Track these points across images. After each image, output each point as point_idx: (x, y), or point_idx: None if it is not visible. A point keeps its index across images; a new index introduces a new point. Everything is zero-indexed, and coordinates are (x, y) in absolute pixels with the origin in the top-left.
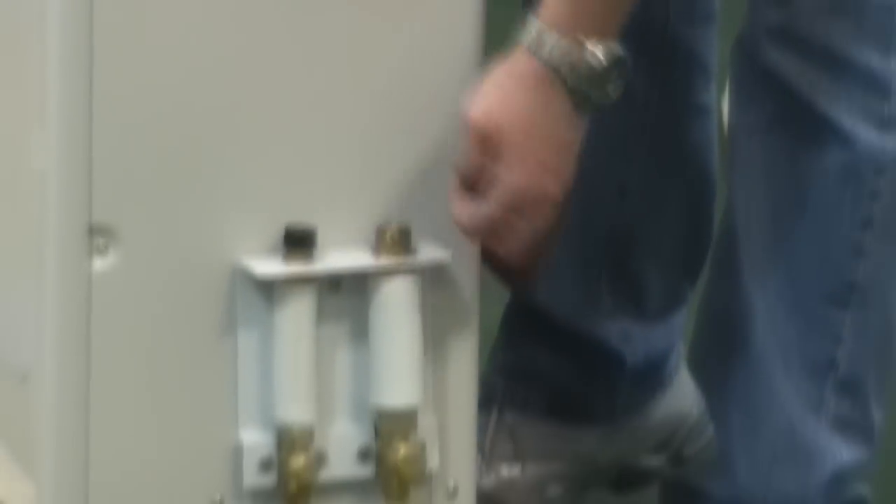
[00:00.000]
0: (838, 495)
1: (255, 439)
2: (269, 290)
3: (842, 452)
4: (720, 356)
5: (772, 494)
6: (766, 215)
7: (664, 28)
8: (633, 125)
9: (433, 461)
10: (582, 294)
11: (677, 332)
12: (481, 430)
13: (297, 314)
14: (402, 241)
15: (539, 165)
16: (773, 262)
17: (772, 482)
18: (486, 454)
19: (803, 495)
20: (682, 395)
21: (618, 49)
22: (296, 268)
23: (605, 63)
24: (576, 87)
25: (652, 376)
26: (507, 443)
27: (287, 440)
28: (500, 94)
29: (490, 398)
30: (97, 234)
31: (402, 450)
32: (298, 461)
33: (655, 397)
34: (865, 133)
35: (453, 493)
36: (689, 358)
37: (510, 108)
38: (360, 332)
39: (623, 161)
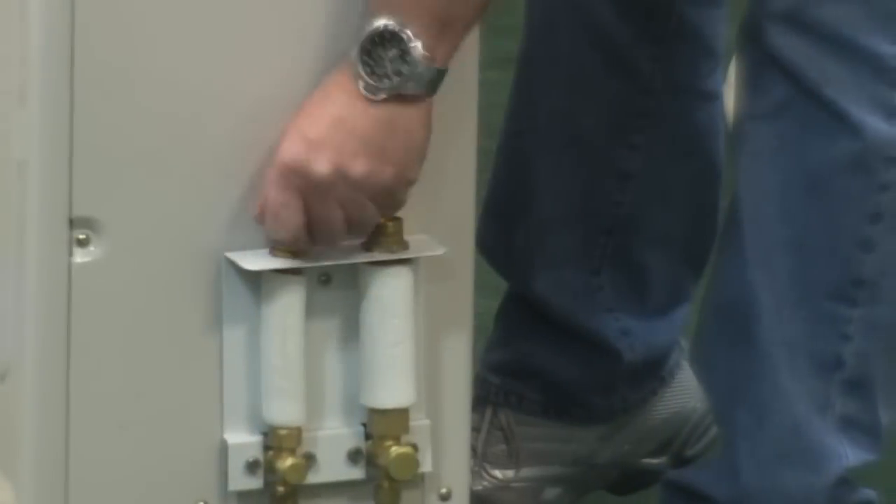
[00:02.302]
0: (844, 498)
1: (241, 440)
2: (257, 283)
3: (848, 454)
4: (725, 351)
5: (776, 496)
6: (774, 206)
7: (670, 8)
8: (636, 109)
9: (426, 464)
10: (581, 285)
11: (678, 328)
12: (473, 430)
13: (285, 309)
14: (394, 233)
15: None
16: (780, 255)
17: (776, 483)
18: (479, 455)
19: (808, 497)
20: (684, 393)
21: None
22: (284, 261)
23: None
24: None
25: (651, 373)
26: (501, 443)
27: (274, 441)
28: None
29: (483, 397)
30: (78, 227)
31: (393, 452)
32: (286, 463)
33: (655, 395)
34: (875, 123)
35: (446, 497)
36: (693, 352)
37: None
38: (351, 328)
39: (625, 147)
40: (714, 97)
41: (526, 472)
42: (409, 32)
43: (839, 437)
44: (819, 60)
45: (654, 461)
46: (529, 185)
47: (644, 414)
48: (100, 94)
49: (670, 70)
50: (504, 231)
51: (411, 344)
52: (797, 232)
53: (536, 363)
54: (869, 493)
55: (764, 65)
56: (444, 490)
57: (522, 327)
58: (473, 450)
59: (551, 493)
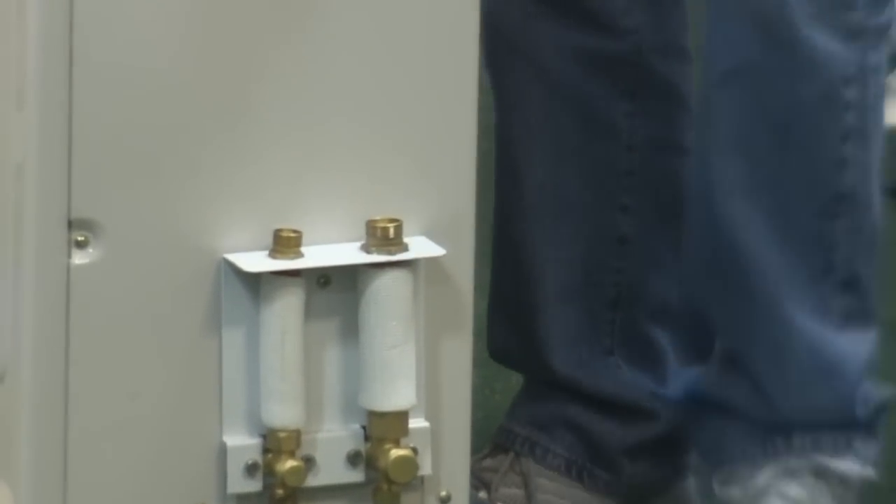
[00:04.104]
0: (869, 397)
1: (240, 442)
2: (256, 285)
3: (859, 348)
4: (725, 303)
5: (812, 413)
6: (743, 156)
7: (638, 61)
8: (621, 169)
9: (425, 467)
10: (601, 365)
11: (677, 417)
12: (492, 470)
13: (284, 311)
14: (393, 235)
15: None
16: (758, 197)
17: (808, 402)
18: (493, 491)
19: (840, 405)
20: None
21: None
22: (283, 262)
23: None
24: None
25: (661, 464)
26: (518, 487)
27: (273, 444)
28: None
29: (506, 447)
30: (77, 229)
31: (392, 455)
32: (285, 466)
33: (659, 494)
34: (831, 46)
35: (446, 501)
36: (692, 314)
37: None
38: (350, 330)
39: (617, 210)
40: (691, 152)
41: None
42: None
43: (847, 338)
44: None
45: None
46: (529, 266)
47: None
48: (98, 96)
49: (647, 125)
50: (514, 320)
51: (411, 346)
52: (772, 172)
53: (569, 417)
54: (886, 392)
55: (732, 18)
56: (443, 493)
57: (553, 390)
58: (487, 486)
59: None
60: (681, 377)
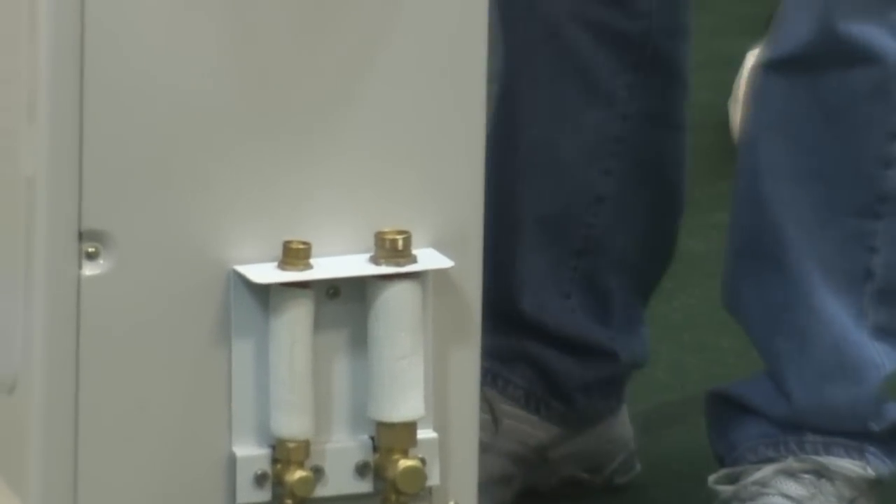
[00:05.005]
0: (885, 411)
1: (249, 453)
2: (265, 297)
3: (885, 362)
4: (756, 289)
5: (825, 411)
6: (792, 142)
7: (646, 41)
8: (612, 135)
9: (433, 477)
10: (558, 307)
11: (642, 350)
12: None
13: (293, 322)
14: (402, 247)
15: None
16: (803, 185)
17: (824, 400)
18: None
19: (854, 409)
20: (625, 427)
21: None
22: (292, 274)
23: None
24: None
25: (620, 387)
26: (485, 413)
27: (282, 454)
28: None
29: None
30: (87, 240)
31: (401, 465)
32: (294, 476)
33: (612, 415)
34: (885, 42)
35: None
36: (725, 296)
37: None
38: (359, 341)
39: (601, 172)
40: (682, 128)
41: (502, 442)
42: None
43: (875, 347)
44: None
45: (587, 476)
46: (511, 215)
47: (599, 430)
48: (109, 109)
49: (645, 98)
50: (492, 262)
51: (419, 357)
52: (819, 161)
53: (531, 354)
54: None
55: (789, 9)
56: (451, 503)
57: (518, 328)
58: None
59: (513, 470)
60: (631, 323)
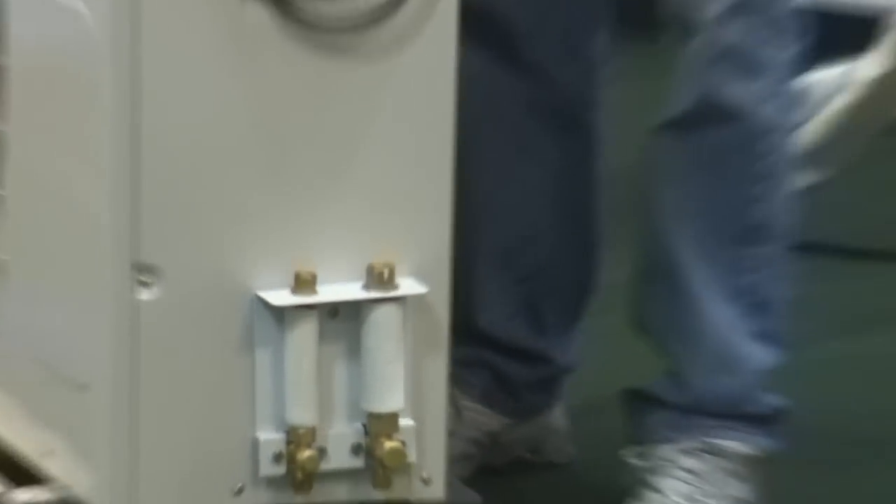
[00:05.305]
0: (758, 398)
1: (269, 437)
2: (281, 316)
3: (760, 358)
4: (661, 304)
5: (716, 397)
6: (682, 188)
7: (568, 110)
8: (548, 187)
9: (412, 456)
10: (504, 325)
11: (564, 370)
12: None
13: (302, 336)
14: (388, 277)
15: None
16: (691, 223)
17: (714, 388)
18: None
19: (738, 394)
20: (561, 417)
21: None
22: (302, 298)
23: None
24: None
25: (556, 386)
26: (451, 406)
27: (294, 438)
28: None
29: None
30: (143, 272)
31: (386, 446)
32: (304, 455)
33: (541, 413)
34: (751, 108)
35: (427, 482)
36: (633, 316)
37: None
38: (354, 350)
39: (537, 218)
40: (599, 178)
41: (463, 429)
42: None
43: (752, 348)
44: (718, 72)
45: (530, 456)
46: (471, 250)
47: (540, 419)
48: (161, 164)
49: (572, 158)
50: (457, 283)
51: (401, 363)
52: (702, 201)
53: (486, 359)
54: (776, 398)
55: (675, 82)
56: (424, 475)
57: (475, 338)
58: None
59: (472, 450)
60: (564, 336)
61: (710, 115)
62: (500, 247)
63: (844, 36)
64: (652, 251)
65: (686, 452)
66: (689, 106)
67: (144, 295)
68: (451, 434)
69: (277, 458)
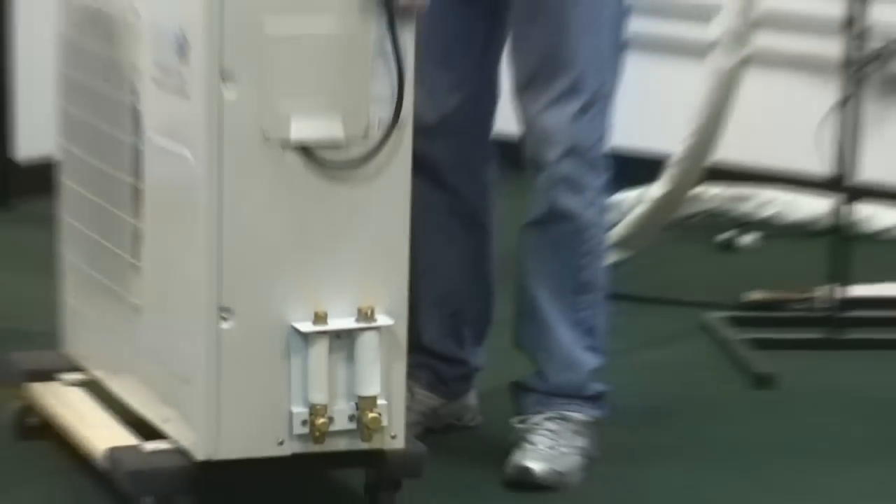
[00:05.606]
0: (591, 385)
1: (299, 410)
2: (306, 338)
3: (590, 362)
4: (530, 330)
5: (565, 386)
6: (536, 265)
7: (476, 215)
8: (463, 260)
9: (384, 422)
10: (440, 341)
11: (475, 370)
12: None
13: (318, 350)
14: (370, 314)
15: None
16: (545, 280)
17: (564, 381)
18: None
19: (578, 384)
20: (474, 398)
21: None
22: (318, 327)
23: None
24: None
25: (471, 379)
26: (407, 392)
27: (314, 411)
28: None
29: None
30: (223, 311)
31: (369, 415)
32: (319, 421)
33: (462, 396)
34: (579, 213)
35: (394, 438)
36: (514, 338)
37: None
38: (350, 358)
39: (459, 277)
40: (494, 257)
41: (415, 406)
42: None
43: (586, 356)
44: (557, 192)
45: (456, 422)
46: (420, 297)
47: (461, 400)
48: (236, 247)
49: (472, 236)
50: (411, 317)
51: (378, 365)
52: (551, 270)
53: (429, 364)
54: (600, 386)
55: (533, 191)
56: (392, 434)
57: (423, 350)
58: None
59: (421, 419)
60: (475, 349)
61: (553, 218)
62: (436, 296)
63: (643, 171)
64: (522, 298)
65: (548, 419)
66: (541, 212)
67: (224, 325)
68: (408, 409)
69: (304, 423)
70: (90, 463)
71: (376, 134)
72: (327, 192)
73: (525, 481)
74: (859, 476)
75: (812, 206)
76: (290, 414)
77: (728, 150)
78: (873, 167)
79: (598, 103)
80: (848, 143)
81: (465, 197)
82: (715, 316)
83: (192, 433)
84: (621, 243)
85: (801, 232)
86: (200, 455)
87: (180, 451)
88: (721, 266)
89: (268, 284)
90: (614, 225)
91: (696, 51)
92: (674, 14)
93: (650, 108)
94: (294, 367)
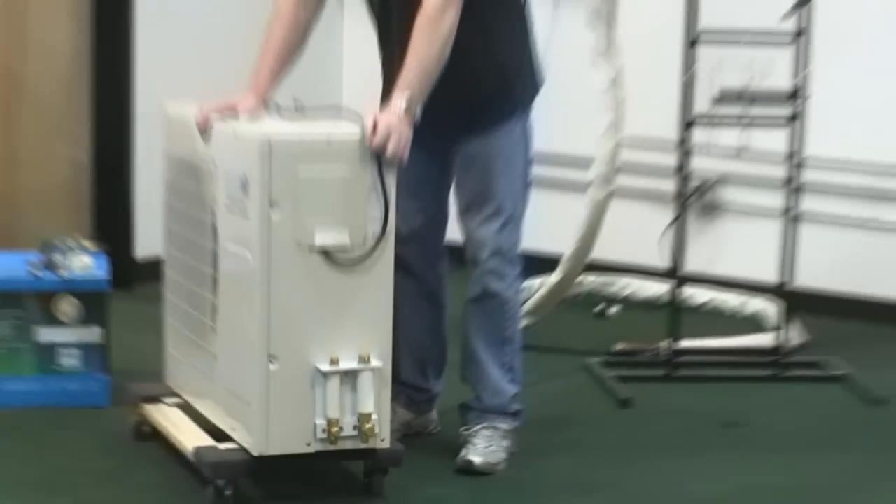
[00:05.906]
0: (514, 402)
1: (320, 422)
2: (325, 376)
3: (511, 390)
4: (471, 369)
5: (494, 406)
6: (476, 326)
7: (435, 293)
8: (426, 323)
9: (376, 429)
10: (413, 377)
11: (436, 395)
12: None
13: (333, 385)
14: (368, 360)
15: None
16: (484, 337)
17: (494, 403)
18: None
19: (503, 405)
20: (434, 414)
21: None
22: (335, 368)
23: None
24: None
25: (433, 402)
26: (392, 411)
27: (330, 423)
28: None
29: (392, 397)
30: (271, 358)
31: (366, 426)
32: (334, 429)
33: (428, 413)
34: (503, 293)
35: (383, 441)
36: (463, 373)
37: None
38: (354, 389)
39: (423, 335)
40: (445, 334)
41: (396, 419)
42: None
43: (509, 386)
44: (487, 279)
45: (425, 431)
46: (398, 347)
47: (426, 415)
48: (280, 313)
49: (433, 308)
50: (393, 360)
51: (372, 393)
52: (487, 332)
53: (406, 391)
54: (518, 405)
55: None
56: (381, 438)
57: (400, 382)
58: (393, 410)
59: (399, 428)
60: (436, 381)
61: (486, 297)
62: (409, 347)
63: (544, 265)
64: (466, 348)
65: (484, 428)
66: (478, 293)
67: (272, 367)
68: (392, 421)
69: (323, 430)
70: (183, 457)
71: (370, 242)
72: (339, 280)
73: (469, 469)
74: (689, 464)
75: (655, 289)
76: (315, 425)
77: (600, 251)
78: (694, 263)
79: (513, 221)
80: (678, 247)
81: (428, 283)
82: (593, 360)
83: (250, 437)
84: (530, 312)
85: (648, 305)
86: (255, 452)
87: (242, 449)
88: (596, 327)
89: (300, 340)
90: (526, 300)
91: (578, 187)
92: (562, 162)
93: (548, 224)
94: (317, 394)
